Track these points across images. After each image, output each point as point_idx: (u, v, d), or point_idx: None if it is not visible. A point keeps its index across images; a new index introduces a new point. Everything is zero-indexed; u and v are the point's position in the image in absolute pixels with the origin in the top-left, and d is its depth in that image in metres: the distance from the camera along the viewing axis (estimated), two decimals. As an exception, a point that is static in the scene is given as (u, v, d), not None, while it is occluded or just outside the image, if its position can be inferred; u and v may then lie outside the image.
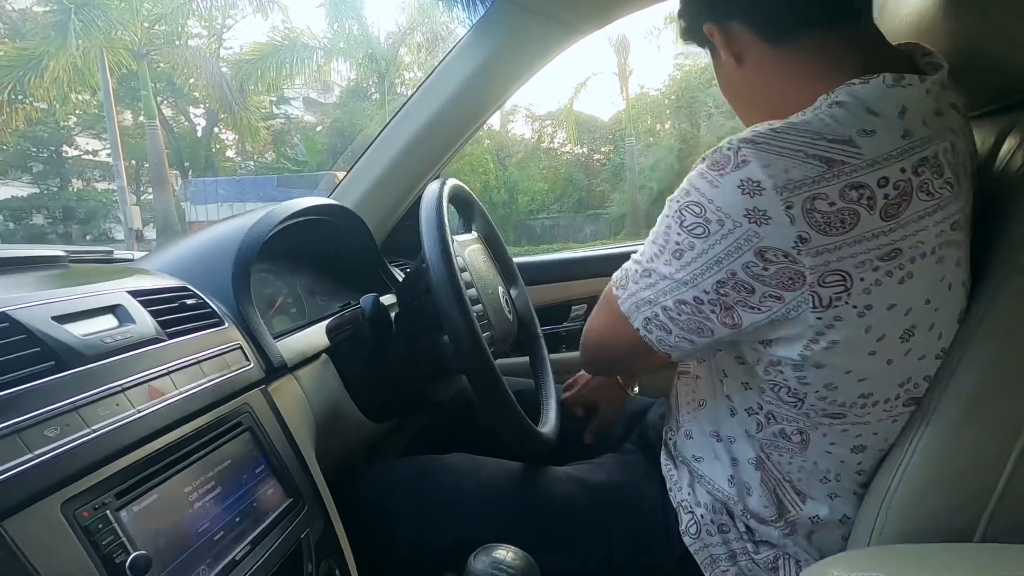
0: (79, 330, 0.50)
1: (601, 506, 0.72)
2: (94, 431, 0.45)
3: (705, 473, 0.67)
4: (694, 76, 13.56)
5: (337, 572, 0.63)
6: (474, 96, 1.11)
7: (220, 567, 0.50)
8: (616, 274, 0.62)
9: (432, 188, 0.79)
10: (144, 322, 0.56)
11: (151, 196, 13.09)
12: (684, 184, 0.52)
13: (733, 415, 0.63)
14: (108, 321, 0.54)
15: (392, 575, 0.75)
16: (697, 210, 0.49)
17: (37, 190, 13.91)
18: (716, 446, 0.66)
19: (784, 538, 0.63)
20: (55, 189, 14.09)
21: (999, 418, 0.48)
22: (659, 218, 0.55)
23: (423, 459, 0.82)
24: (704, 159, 0.51)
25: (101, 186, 14.50)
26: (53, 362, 0.46)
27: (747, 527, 0.65)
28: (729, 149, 0.48)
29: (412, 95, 1.15)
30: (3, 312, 0.46)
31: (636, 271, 0.58)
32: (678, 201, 0.52)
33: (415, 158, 1.16)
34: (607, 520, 0.71)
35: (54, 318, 0.49)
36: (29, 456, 0.40)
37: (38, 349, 0.46)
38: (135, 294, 0.59)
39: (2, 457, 0.39)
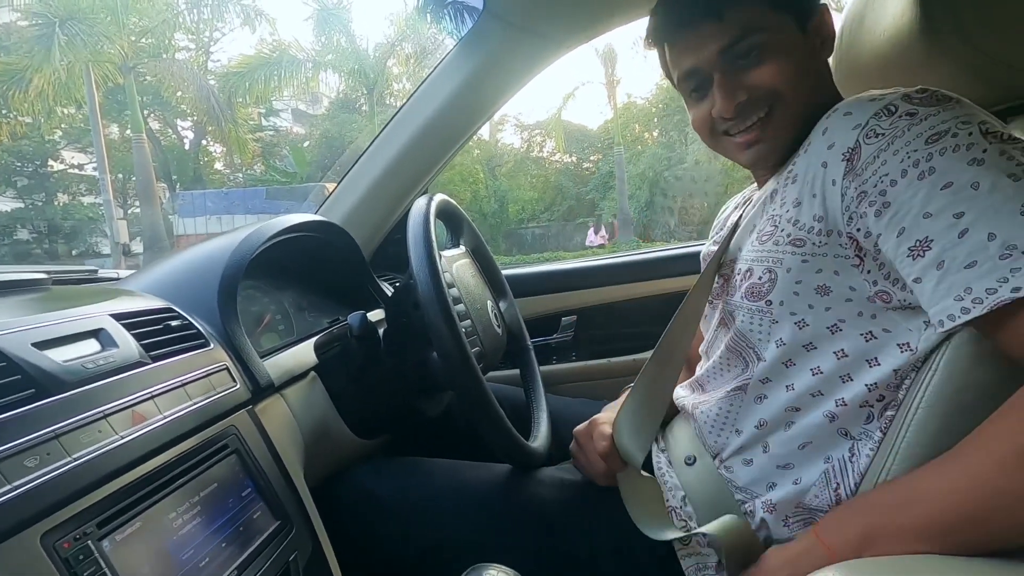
0: (60, 356, 0.49)
1: (582, 505, 0.72)
2: (76, 459, 0.44)
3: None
4: (680, 85, 13.68)
5: (326, 594, 0.62)
6: (461, 110, 1.12)
7: (206, 595, 0.49)
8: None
9: (419, 204, 0.79)
10: (127, 346, 0.56)
11: (138, 210, 12.98)
12: (940, 127, 0.48)
13: (833, 419, 0.57)
14: (91, 346, 0.53)
15: None
16: (996, 126, 0.48)
17: (22, 204, 13.74)
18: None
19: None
20: (40, 203, 13.92)
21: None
22: (968, 175, 0.45)
23: (404, 461, 0.82)
24: (912, 112, 0.49)
25: (87, 200, 14.34)
26: (33, 390, 0.45)
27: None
28: (927, 94, 0.51)
29: (399, 109, 1.15)
30: (-18, 340, 0.45)
31: None
32: (975, 137, 0.47)
33: (403, 172, 1.16)
34: (588, 519, 0.70)
35: (34, 344, 0.48)
36: (8, 488, 0.39)
37: (18, 377, 0.45)
38: (118, 317, 0.58)
39: (-20, 489, 0.38)
